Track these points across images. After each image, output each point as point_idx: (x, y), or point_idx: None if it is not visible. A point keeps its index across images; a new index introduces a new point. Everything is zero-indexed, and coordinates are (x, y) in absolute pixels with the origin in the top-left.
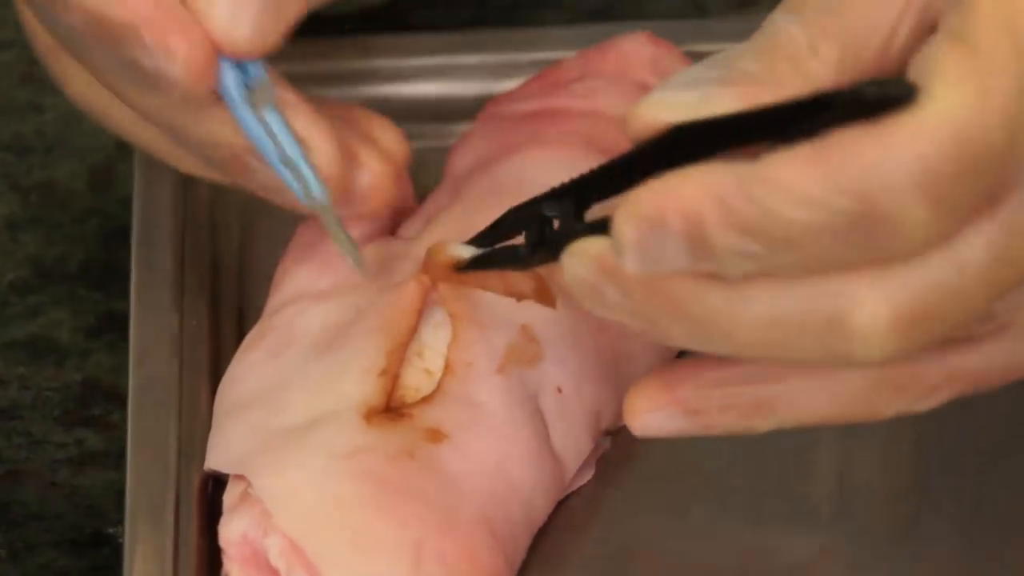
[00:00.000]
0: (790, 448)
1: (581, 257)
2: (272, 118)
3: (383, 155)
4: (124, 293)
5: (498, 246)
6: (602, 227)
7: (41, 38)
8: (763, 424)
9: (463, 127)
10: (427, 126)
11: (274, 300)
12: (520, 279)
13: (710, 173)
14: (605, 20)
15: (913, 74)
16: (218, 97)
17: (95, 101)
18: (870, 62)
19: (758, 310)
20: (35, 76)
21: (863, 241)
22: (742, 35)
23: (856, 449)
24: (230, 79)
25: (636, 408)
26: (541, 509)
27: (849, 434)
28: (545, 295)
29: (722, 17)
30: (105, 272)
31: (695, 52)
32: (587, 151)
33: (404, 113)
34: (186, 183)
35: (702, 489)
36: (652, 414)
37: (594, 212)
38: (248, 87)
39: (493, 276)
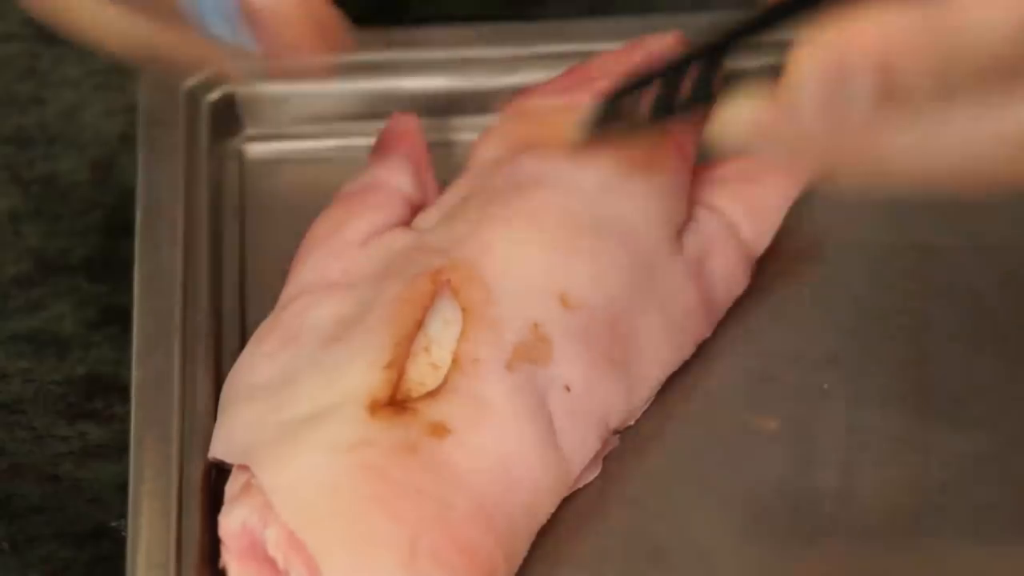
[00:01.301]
0: (792, 448)
1: (745, 102)
2: None
3: None
4: (126, 286)
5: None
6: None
7: None
8: None
9: (477, 120)
10: (441, 119)
11: (287, 291)
12: None
13: (891, 13)
14: (607, 13)
15: None
16: None
17: None
18: None
19: (944, 140)
20: (38, 69)
21: None
22: None
23: (859, 456)
24: None
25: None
26: (544, 507)
27: (850, 445)
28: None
29: (724, 10)
30: (107, 265)
31: None
32: None
33: (418, 105)
34: (189, 177)
35: (707, 488)
36: None
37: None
38: None
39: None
